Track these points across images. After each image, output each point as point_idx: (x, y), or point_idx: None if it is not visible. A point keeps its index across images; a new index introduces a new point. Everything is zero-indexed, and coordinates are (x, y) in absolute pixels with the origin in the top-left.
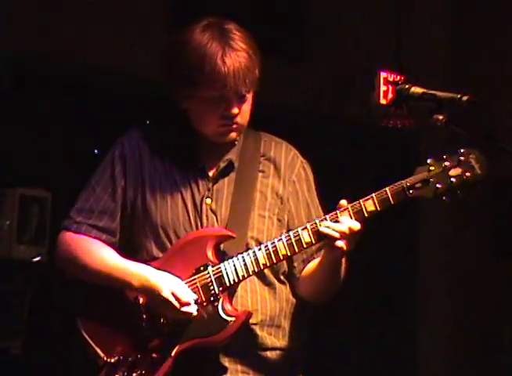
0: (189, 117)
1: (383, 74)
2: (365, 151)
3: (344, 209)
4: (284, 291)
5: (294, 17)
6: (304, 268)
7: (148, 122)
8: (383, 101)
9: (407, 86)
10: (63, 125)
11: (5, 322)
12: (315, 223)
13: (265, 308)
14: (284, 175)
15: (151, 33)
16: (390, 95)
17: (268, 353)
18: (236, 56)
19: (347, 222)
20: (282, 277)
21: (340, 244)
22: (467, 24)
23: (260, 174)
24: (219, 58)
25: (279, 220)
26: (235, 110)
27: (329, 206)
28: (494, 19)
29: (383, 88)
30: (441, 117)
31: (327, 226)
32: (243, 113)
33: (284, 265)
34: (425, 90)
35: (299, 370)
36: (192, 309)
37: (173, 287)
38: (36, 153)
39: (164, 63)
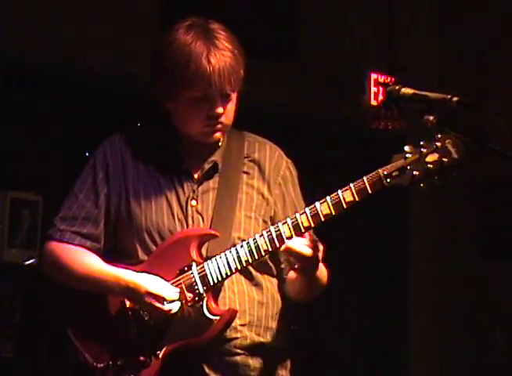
0: (172, 118)
1: (373, 76)
2: (357, 152)
3: (323, 201)
4: (271, 291)
5: (287, 17)
6: (289, 270)
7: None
8: (373, 102)
9: (397, 87)
10: (54, 128)
11: None
12: (295, 217)
13: (253, 309)
14: (269, 178)
15: (150, 33)
16: (380, 97)
17: (258, 353)
18: (221, 55)
19: (300, 243)
20: (268, 278)
21: (292, 260)
22: (460, 24)
23: (244, 175)
24: (204, 57)
25: (264, 221)
26: (219, 110)
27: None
28: (486, 18)
29: (373, 89)
30: (431, 118)
31: (289, 247)
32: (227, 112)
33: (271, 266)
34: (415, 91)
35: (288, 368)
36: (176, 306)
37: (152, 286)
38: (27, 157)
39: (150, 63)
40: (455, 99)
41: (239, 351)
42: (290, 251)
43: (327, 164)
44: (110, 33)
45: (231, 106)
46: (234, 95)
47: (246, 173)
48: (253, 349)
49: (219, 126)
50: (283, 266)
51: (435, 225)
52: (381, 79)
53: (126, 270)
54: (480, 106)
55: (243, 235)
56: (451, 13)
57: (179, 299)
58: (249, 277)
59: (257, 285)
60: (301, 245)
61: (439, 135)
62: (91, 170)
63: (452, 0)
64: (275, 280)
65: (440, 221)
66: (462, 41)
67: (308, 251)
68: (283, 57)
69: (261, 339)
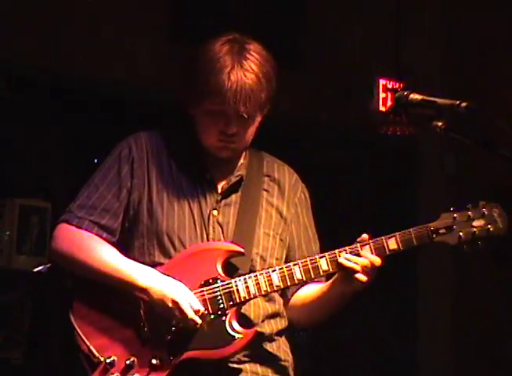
0: (194, 126)
1: (382, 81)
2: (364, 157)
3: (366, 244)
4: (280, 307)
5: (293, 23)
6: (295, 291)
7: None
8: (382, 108)
9: (406, 93)
10: (63, 134)
11: (5, 333)
12: (335, 253)
13: (263, 322)
14: (288, 197)
15: (151, 37)
16: (389, 103)
17: (264, 360)
18: (242, 74)
19: (369, 257)
20: (277, 295)
21: (362, 277)
22: (469, 24)
23: (265, 192)
24: (225, 73)
25: (281, 240)
26: (232, 129)
27: (327, 214)
28: (492, 19)
29: (382, 95)
30: (440, 124)
31: (348, 259)
32: (242, 134)
33: None
34: (424, 97)
35: None
36: (198, 319)
37: (182, 293)
38: (36, 164)
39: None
40: (463, 104)
41: (247, 359)
42: (361, 260)
43: (329, 168)
44: (110, 33)
45: (250, 130)
46: (255, 120)
47: (266, 191)
48: (260, 358)
49: (231, 145)
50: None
51: None
52: (390, 85)
53: (151, 268)
54: (488, 111)
55: (261, 251)
56: (453, 14)
57: (202, 313)
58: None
59: (270, 300)
60: (373, 255)
61: (485, 203)
62: (115, 162)
63: (454, 1)
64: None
65: None
66: (463, 42)
67: (377, 260)
68: (288, 64)
69: (269, 349)
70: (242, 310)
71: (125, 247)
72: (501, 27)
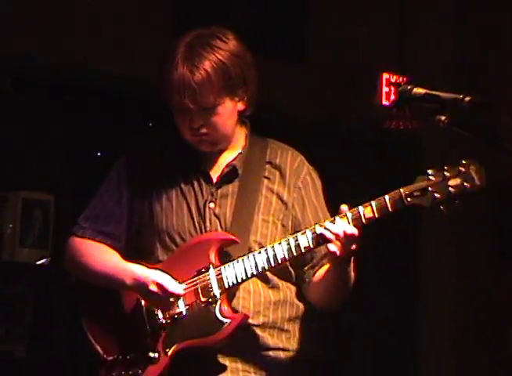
0: None
1: (385, 76)
2: (367, 153)
3: (343, 215)
4: (290, 294)
5: (295, 18)
6: (314, 273)
7: (150, 125)
8: (385, 102)
9: (409, 87)
10: (65, 127)
11: (8, 325)
12: (314, 228)
13: (268, 310)
14: (289, 182)
15: (151, 34)
16: (392, 97)
17: (271, 353)
18: (185, 69)
19: (342, 225)
20: (288, 280)
21: (333, 248)
22: (472, 24)
23: (265, 180)
24: (171, 70)
25: (283, 225)
26: (196, 123)
27: (330, 208)
28: (496, 19)
29: (385, 89)
30: (443, 118)
31: (323, 226)
32: (211, 125)
33: (290, 272)
34: (427, 91)
35: (307, 371)
36: (179, 289)
37: (158, 277)
38: (38, 157)
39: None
40: (467, 98)
41: (244, 351)
42: (334, 228)
43: (331, 166)
44: (110, 33)
45: (219, 118)
46: (223, 106)
47: (267, 178)
48: (265, 348)
49: (204, 138)
50: (305, 269)
51: (449, 228)
52: (393, 79)
53: (139, 265)
54: (492, 105)
55: (259, 238)
56: (457, 14)
57: (184, 296)
58: (265, 280)
59: (274, 287)
60: (347, 225)
61: (463, 161)
62: (114, 172)
63: (459, 1)
64: (293, 287)
65: (453, 223)
66: (467, 42)
67: (350, 229)
68: (291, 58)
69: (276, 340)
70: (241, 299)
71: (133, 249)
72: (504, 27)
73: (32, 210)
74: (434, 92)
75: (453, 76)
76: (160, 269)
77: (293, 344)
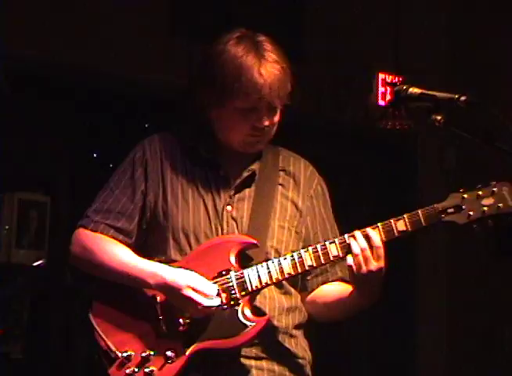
0: (213, 125)
1: (381, 76)
2: (363, 152)
3: (375, 227)
4: (299, 301)
5: (292, 17)
6: (317, 284)
7: (146, 126)
8: (381, 102)
9: (405, 87)
10: (62, 129)
11: (5, 327)
12: (344, 238)
13: (281, 316)
14: (303, 190)
15: (152, 35)
16: (388, 97)
17: (281, 357)
18: (271, 68)
19: (372, 237)
20: (296, 287)
21: (350, 260)
22: (466, 23)
23: (279, 187)
24: (256, 70)
25: (297, 232)
26: (266, 123)
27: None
28: (493, 17)
29: (381, 89)
30: (439, 118)
31: (355, 237)
32: (272, 127)
33: (298, 279)
34: (423, 90)
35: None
36: (216, 302)
37: (192, 282)
38: (35, 158)
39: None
40: (462, 98)
41: (264, 355)
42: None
43: (329, 165)
44: (111, 32)
45: (276, 120)
46: (279, 110)
47: (282, 185)
48: (277, 355)
49: (263, 138)
50: (308, 278)
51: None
52: (389, 79)
53: (161, 265)
54: (487, 105)
55: (275, 244)
56: (458, 12)
57: (218, 294)
58: (279, 286)
59: (286, 293)
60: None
61: (495, 182)
62: (129, 166)
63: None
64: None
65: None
66: (470, 38)
67: (377, 240)
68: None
69: (286, 345)
70: (257, 303)
71: (143, 247)
72: (501, 27)
73: (28, 211)
74: (429, 92)
75: (449, 76)
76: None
77: (300, 350)
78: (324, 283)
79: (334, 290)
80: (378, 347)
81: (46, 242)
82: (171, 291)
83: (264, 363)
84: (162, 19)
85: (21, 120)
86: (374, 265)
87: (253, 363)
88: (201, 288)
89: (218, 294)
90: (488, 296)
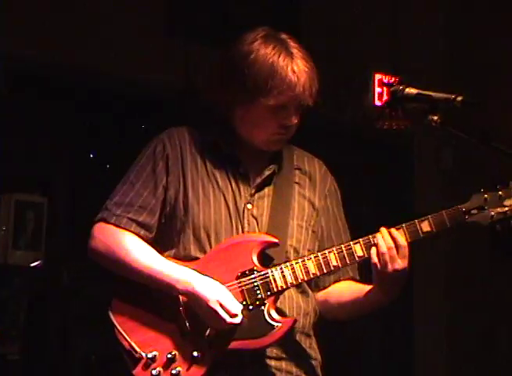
0: (236, 123)
1: (377, 76)
2: (361, 152)
3: (399, 227)
4: (314, 300)
5: (289, 18)
6: (329, 282)
7: (143, 127)
8: (378, 103)
9: (401, 87)
10: (58, 129)
11: (1, 328)
12: (369, 238)
13: (299, 315)
14: (319, 189)
15: (150, 36)
16: (385, 97)
17: (298, 358)
18: (303, 65)
19: (396, 236)
20: (311, 287)
21: (375, 259)
22: (464, 23)
23: (296, 185)
24: (290, 68)
25: (313, 231)
26: (293, 120)
27: None
28: (490, 18)
29: (377, 89)
30: (435, 118)
31: (383, 236)
32: (297, 124)
33: None
34: (419, 91)
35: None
36: (238, 320)
37: (220, 297)
38: (32, 159)
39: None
40: (459, 98)
41: (284, 356)
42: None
43: (329, 165)
44: (110, 33)
45: (299, 118)
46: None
47: (298, 183)
48: (295, 356)
49: (286, 136)
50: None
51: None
52: (385, 79)
53: (189, 270)
54: (484, 105)
55: (294, 243)
56: (454, 13)
57: (242, 311)
58: (297, 285)
59: (303, 293)
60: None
61: None
62: (149, 159)
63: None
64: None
65: None
66: (467, 39)
67: (402, 240)
68: None
69: (303, 345)
70: (278, 303)
71: (162, 242)
72: (498, 28)
73: (25, 212)
74: (426, 92)
75: (447, 76)
76: (203, 270)
77: (314, 352)
78: (336, 281)
79: (348, 288)
80: (378, 347)
81: (43, 243)
82: (198, 301)
83: (283, 364)
84: (160, 20)
85: (19, 120)
86: (399, 264)
87: (273, 363)
88: (227, 305)
89: (242, 311)
90: (487, 296)
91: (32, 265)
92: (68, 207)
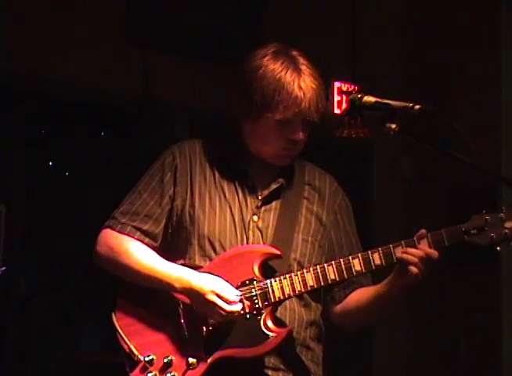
0: (246, 136)
1: (336, 84)
2: (318, 161)
3: (398, 245)
4: (317, 314)
5: (252, 25)
6: (345, 295)
7: (102, 134)
8: (337, 111)
9: (360, 95)
10: (19, 138)
11: None
12: (367, 253)
13: (300, 327)
14: (328, 205)
15: (108, 44)
16: (344, 105)
17: (296, 370)
18: (310, 82)
19: (425, 249)
20: (317, 301)
21: (415, 270)
22: (421, 30)
23: (305, 200)
24: (296, 84)
25: (320, 246)
26: (300, 136)
27: None
28: (446, 25)
29: (337, 97)
30: (393, 126)
31: (405, 252)
32: (303, 140)
33: (320, 291)
34: (378, 99)
35: None
36: (238, 307)
37: (215, 287)
38: None
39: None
40: (417, 106)
41: (281, 366)
42: (418, 252)
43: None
44: (67, 41)
45: (307, 134)
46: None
47: (307, 199)
48: (293, 368)
49: (294, 152)
50: (336, 290)
51: (399, 230)
52: (344, 87)
53: (187, 269)
54: (442, 113)
55: (298, 257)
56: (413, 19)
57: (240, 300)
58: (299, 297)
59: (306, 306)
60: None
61: None
62: (158, 170)
63: (413, 6)
64: (320, 308)
65: (406, 229)
66: (424, 47)
67: (434, 252)
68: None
69: (303, 357)
70: (278, 314)
71: (167, 251)
72: (460, 29)
73: None
74: (384, 101)
75: (403, 84)
76: (210, 273)
77: (316, 365)
78: (351, 292)
79: (365, 291)
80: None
81: (1, 251)
82: (196, 296)
83: (280, 375)
84: (119, 29)
85: None
86: (416, 270)
87: (270, 373)
88: (224, 294)
89: (241, 301)
90: (448, 309)
91: None
92: (26, 215)
